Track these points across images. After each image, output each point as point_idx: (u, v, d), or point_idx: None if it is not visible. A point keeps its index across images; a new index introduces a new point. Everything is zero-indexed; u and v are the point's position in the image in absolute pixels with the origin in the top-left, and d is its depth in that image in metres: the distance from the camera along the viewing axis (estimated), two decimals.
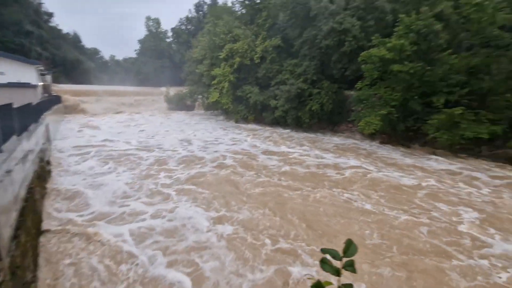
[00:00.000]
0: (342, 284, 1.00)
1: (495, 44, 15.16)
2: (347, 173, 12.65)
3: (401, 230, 7.62)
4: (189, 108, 41.90)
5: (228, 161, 14.34)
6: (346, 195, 10.07)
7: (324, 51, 21.63)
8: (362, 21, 19.97)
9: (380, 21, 19.83)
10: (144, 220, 7.94)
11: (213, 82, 28.28)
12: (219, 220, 7.98)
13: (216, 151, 16.47)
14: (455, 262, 6.21)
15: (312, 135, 22.09)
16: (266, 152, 16.49)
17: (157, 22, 60.93)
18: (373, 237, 7.25)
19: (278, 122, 25.14)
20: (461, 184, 11.29)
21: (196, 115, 36.89)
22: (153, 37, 59.98)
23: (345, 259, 1.04)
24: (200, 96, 35.89)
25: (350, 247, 1.06)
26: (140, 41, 62.21)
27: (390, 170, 13.11)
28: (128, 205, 8.87)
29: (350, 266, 1.03)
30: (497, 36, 14.92)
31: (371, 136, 19.46)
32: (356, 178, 11.95)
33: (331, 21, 20.24)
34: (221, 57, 27.51)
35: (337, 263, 1.01)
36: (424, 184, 11.24)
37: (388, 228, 7.73)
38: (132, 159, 14.44)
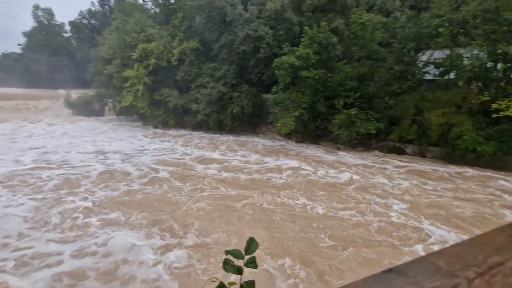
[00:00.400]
0: (244, 282, 1.07)
1: (375, 57, 18.71)
2: (289, 176, 12.88)
3: (352, 229, 8.04)
4: (98, 113, 37.06)
5: (161, 175, 12.83)
6: (292, 198, 10.21)
7: (242, 56, 22.50)
8: (274, 30, 21.62)
9: (289, 31, 21.87)
10: (60, 263, 6.25)
11: (125, 85, 25.79)
12: (166, 249, 6.95)
13: (143, 164, 14.61)
14: (407, 257, 6.71)
15: (240, 138, 22.37)
16: (202, 160, 15.55)
17: (49, 12, 51.69)
18: (325, 240, 7.41)
19: (201, 126, 24.79)
20: (378, 176, 13.07)
21: (108, 121, 32.79)
22: (45, 30, 50.62)
23: (247, 257, 1.10)
24: (110, 100, 32.19)
25: (251, 245, 1.14)
26: (26, 34, 51.63)
27: (325, 168, 14.19)
28: (32, 247, 6.83)
29: (252, 263, 1.10)
30: (376, 50, 18.44)
31: (288, 136, 21.22)
32: (298, 180, 12.32)
33: (247, 28, 21.21)
34: (133, 57, 25.37)
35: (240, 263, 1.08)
36: (354, 177, 12.60)
37: (341, 229, 8.05)
38: (30, 181, 11.51)
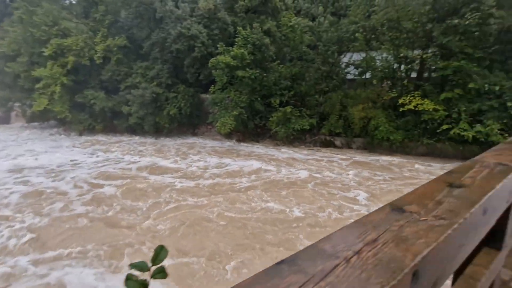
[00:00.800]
0: None
1: (305, 58, 20.15)
2: (253, 177, 12.44)
3: (331, 226, 7.99)
4: (2, 120, 31.04)
5: (107, 191, 10.87)
6: (264, 201, 9.86)
7: (176, 55, 21.61)
8: (208, 29, 21.34)
9: (223, 31, 21.88)
10: None
11: (37, 86, 22.14)
12: None
13: (80, 179, 12.23)
14: None
15: (187, 141, 21.19)
16: (153, 170, 13.84)
17: None
18: (304, 242, 7.32)
19: (135, 129, 22.95)
20: (331, 170, 13.60)
21: (21, 129, 27.42)
22: None
23: (154, 268, 1.03)
24: (18, 104, 27.26)
25: (160, 254, 1.06)
26: None
27: (283, 166, 14.22)
28: None
29: (160, 273, 1.03)
30: (305, 52, 19.86)
31: (229, 135, 21.26)
32: (263, 181, 12.01)
33: (179, 26, 20.44)
34: (45, 54, 21.94)
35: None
36: (314, 174, 12.83)
37: (319, 227, 8.02)
38: None
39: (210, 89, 19.97)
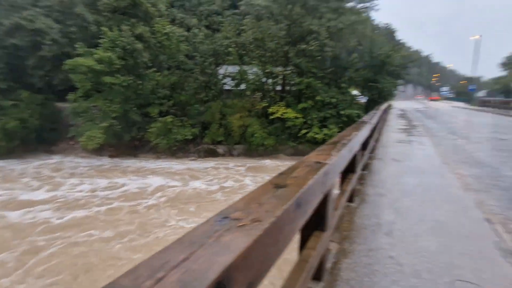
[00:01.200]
0: None
1: (183, 68, 19.99)
2: (157, 195, 11.24)
3: None
4: None
5: None
6: (180, 220, 8.78)
7: (13, 52, 16.83)
8: (62, 25, 17.81)
9: (84, 30, 18.81)
10: None
11: None
12: None
13: None
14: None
15: (50, 161, 16.56)
16: (10, 205, 10.02)
17: None
18: None
19: None
20: (233, 177, 13.30)
21: None
22: None
23: None
24: None
25: None
26: None
27: (187, 179, 13.17)
28: None
29: None
30: (183, 61, 19.72)
31: (98, 151, 18.26)
32: (166, 197, 10.94)
33: (16, 16, 16.08)
34: None
35: None
36: (225, 185, 12.37)
37: None
38: None
39: (68, 97, 16.60)
